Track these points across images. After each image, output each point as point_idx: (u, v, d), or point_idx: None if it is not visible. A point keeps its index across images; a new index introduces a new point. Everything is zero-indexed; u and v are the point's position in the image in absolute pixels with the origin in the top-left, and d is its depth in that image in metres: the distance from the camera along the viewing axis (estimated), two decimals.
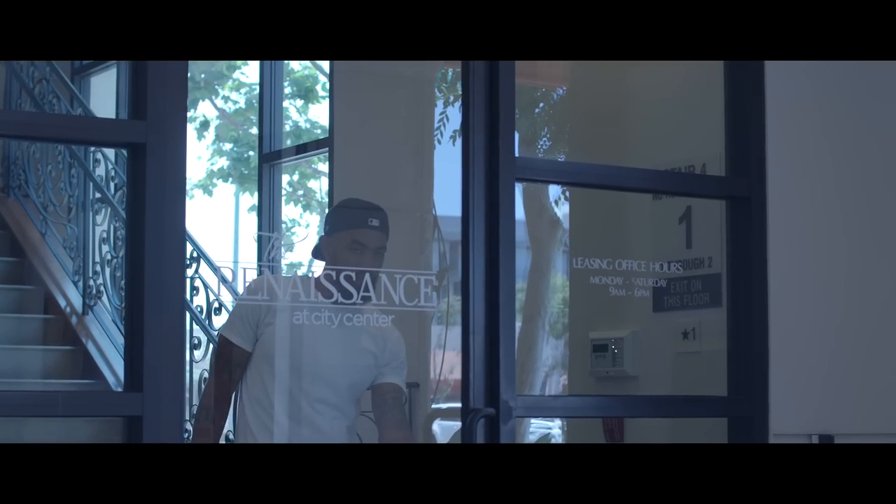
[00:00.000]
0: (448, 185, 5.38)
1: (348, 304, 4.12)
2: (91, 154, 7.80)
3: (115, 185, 7.69)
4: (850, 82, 4.59)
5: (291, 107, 14.04)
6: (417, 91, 5.95)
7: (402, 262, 4.33)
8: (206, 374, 6.67)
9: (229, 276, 4.02)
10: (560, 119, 8.01)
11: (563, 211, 8.71)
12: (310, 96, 14.34)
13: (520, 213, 3.98)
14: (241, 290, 4.14)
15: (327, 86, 13.80)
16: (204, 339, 6.79)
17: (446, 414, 5.35)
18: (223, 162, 14.52)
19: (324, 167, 13.50)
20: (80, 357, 7.63)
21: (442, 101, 6.33)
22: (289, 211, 13.65)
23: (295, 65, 13.90)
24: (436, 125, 5.95)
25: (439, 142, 5.91)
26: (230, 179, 14.59)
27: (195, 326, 6.79)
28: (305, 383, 4.33)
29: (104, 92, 8.85)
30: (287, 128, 12.48)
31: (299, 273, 4.58)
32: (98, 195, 7.78)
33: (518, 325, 4.11)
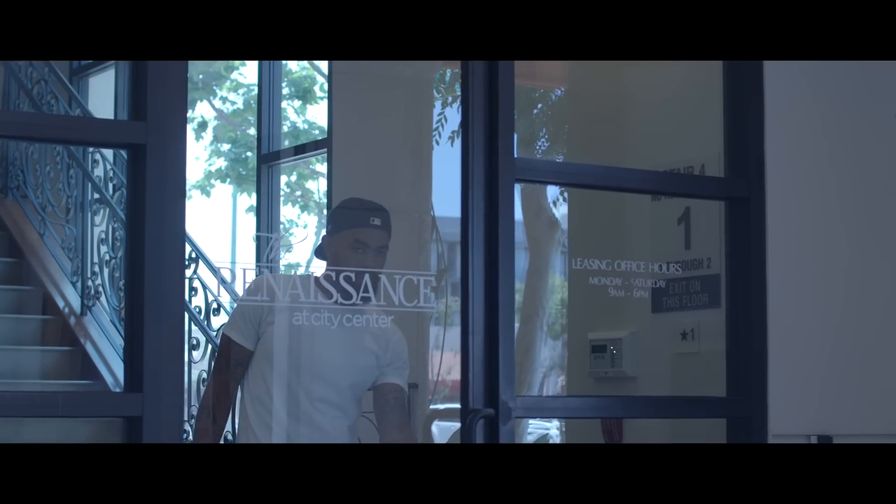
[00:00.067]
0: (446, 186, 5.38)
1: (348, 305, 4.12)
2: (90, 155, 7.80)
3: (114, 186, 7.69)
4: (849, 83, 4.59)
5: (289, 107, 14.04)
6: (416, 92, 5.95)
7: (400, 262, 4.33)
8: (204, 375, 6.68)
9: (228, 277, 4.03)
10: (558, 120, 8.01)
11: (561, 212, 8.71)
12: (308, 97, 14.35)
13: (518, 213, 3.99)
14: (240, 291, 4.14)
15: (325, 86, 13.81)
16: (202, 339, 6.79)
17: (445, 415, 5.35)
18: (221, 163, 14.52)
19: (322, 168, 13.51)
20: (79, 358, 7.64)
21: (440, 102, 6.33)
22: (286, 212, 13.66)
23: (293, 65, 13.90)
24: (434, 126, 5.96)
25: (437, 143, 5.91)
26: (228, 180, 14.60)
27: (193, 327, 6.79)
28: (307, 382, 4.33)
29: (102, 93, 8.85)
30: (285, 128, 12.48)
31: (299, 273, 4.59)
32: (96, 196, 7.78)
33: (516, 325, 4.12)
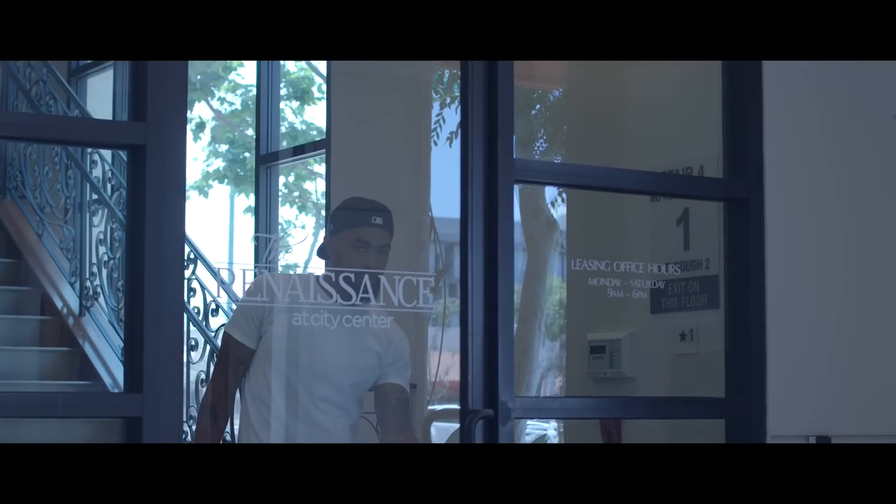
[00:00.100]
0: (444, 187, 5.38)
1: (348, 306, 4.12)
2: (88, 155, 7.79)
3: (112, 187, 7.69)
4: (848, 84, 4.60)
5: (287, 108, 14.05)
6: (414, 93, 5.95)
7: (398, 263, 4.33)
8: (203, 376, 6.68)
9: (228, 279, 4.03)
10: (556, 121, 8.01)
11: (559, 212, 8.72)
12: (305, 98, 14.36)
13: (516, 214, 3.99)
14: (239, 292, 4.15)
15: (323, 87, 13.81)
16: (201, 340, 6.79)
17: (445, 415, 5.35)
18: (219, 163, 14.53)
19: (319, 168, 13.52)
20: (77, 358, 7.64)
21: (438, 103, 6.33)
22: (284, 212, 13.67)
23: (290, 66, 13.91)
24: (432, 127, 5.96)
25: (436, 143, 5.91)
26: (226, 181, 14.61)
27: (192, 328, 6.79)
28: (308, 381, 4.33)
29: (101, 93, 8.85)
30: (283, 129, 12.50)
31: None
32: (95, 196, 7.78)
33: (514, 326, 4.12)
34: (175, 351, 3.45)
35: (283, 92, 12.86)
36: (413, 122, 5.89)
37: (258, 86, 7.98)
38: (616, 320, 4.89)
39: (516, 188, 4.01)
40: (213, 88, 14.55)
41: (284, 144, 11.16)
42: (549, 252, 9.07)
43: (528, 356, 8.76)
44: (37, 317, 7.93)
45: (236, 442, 4.49)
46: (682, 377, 4.77)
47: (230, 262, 4.01)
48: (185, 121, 3.54)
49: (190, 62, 3.55)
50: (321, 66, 13.30)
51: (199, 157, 14.30)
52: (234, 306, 6.45)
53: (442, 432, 5.54)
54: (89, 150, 7.66)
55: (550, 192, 8.36)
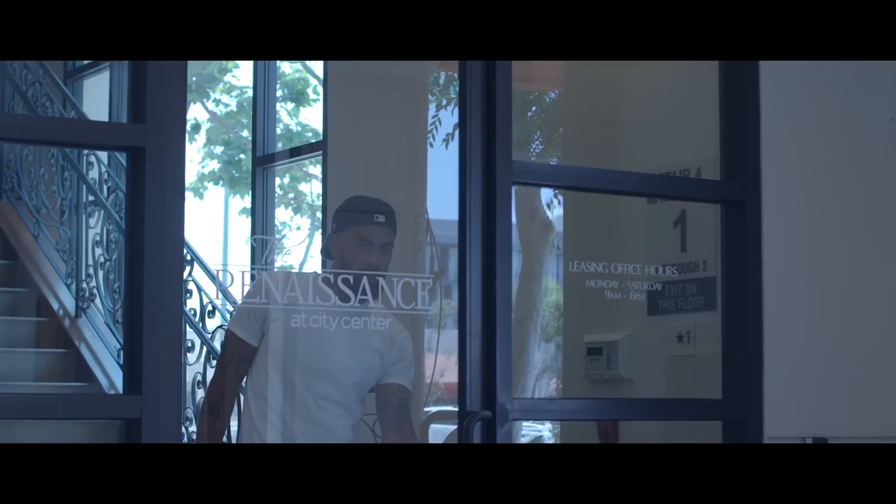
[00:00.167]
0: (440, 189, 5.39)
1: (346, 307, 4.12)
2: (84, 157, 7.79)
3: (109, 188, 7.68)
4: (845, 85, 4.60)
5: (282, 110, 14.06)
6: (411, 94, 5.95)
7: (395, 265, 4.33)
8: (199, 377, 6.68)
9: (227, 280, 4.03)
10: (552, 122, 8.02)
11: (554, 214, 8.73)
12: (300, 99, 14.37)
13: (512, 216, 4.00)
14: (236, 293, 4.15)
15: (318, 89, 13.82)
16: (197, 341, 6.79)
17: (441, 417, 5.35)
18: (214, 165, 14.54)
19: (314, 170, 13.52)
20: (73, 360, 7.63)
21: (434, 105, 6.34)
22: (279, 214, 13.67)
23: (285, 68, 13.92)
24: (428, 129, 5.96)
25: (432, 145, 5.92)
26: (221, 182, 14.61)
27: (188, 329, 6.78)
28: (310, 380, 4.33)
29: (97, 94, 8.84)
30: (278, 131, 12.52)
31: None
32: (91, 198, 7.77)
33: None
34: (174, 352, 3.45)
35: (278, 94, 12.88)
36: (409, 123, 5.90)
37: (254, 87, 7.98)
38: (613, 322, 4.89)
39: (513, 189, 4.02)
40: (208, 90, 14.56)
41: (280, 146, 11.17)
42: (545, 254, 9.09)
43: (523, 357, 8.77)
44: (33, 318, 7.93)
45: (238, 439, 4.49)
46: (679, 379, 4.78)
47: (224, 264, 4.01)
48: (184, 123, 3.55)
49: (186, 64, 3.55)
50: (317, 67, 13.32)
51: (194, 158, 14.32)
52: (230, 308, 6.46)
53: (438, 434, 5.54)
54: (85, 151, 7.65)
55: (546, 193, 8.38)
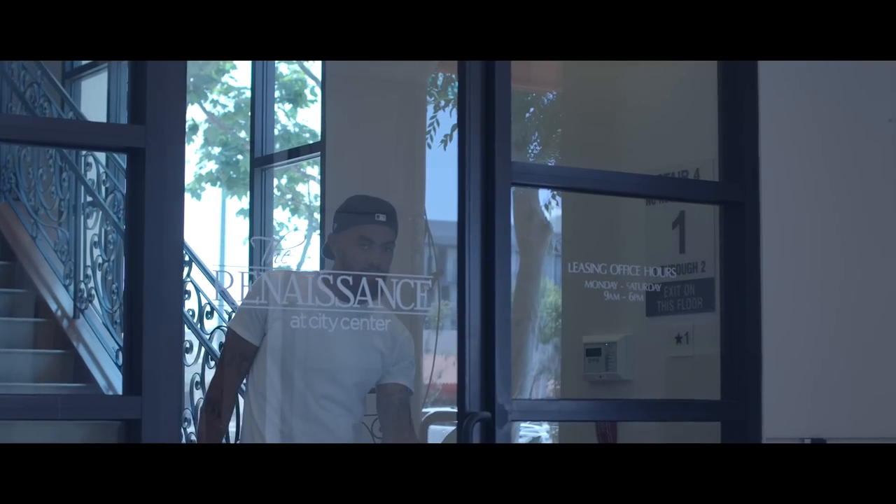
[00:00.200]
0: (438, 190, 5.39)
1: (346, 308, 4.12)
2: (82, 158, 7.78)
3: (107, 189, 7.67)
4: (843, 86, 4.61)
5: (280, 110, 14.06)
6: (409, 95, 5.95)
7: (394, 266, 4.34)
8: (198, 378, 6.68)
9: (227, 281, 4.03)
10: (550, 124, 8.03)
11: (552, 215, 8.73)
12: (298, 100, 14.36)
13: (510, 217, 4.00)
14: (236, 294, 4.15)
15: (316, 90, 13.82)
16: (195, 342, 6.79)
17: (440, 418, 5.35)
18: (212, 165, 14.53)
19: (312, 171, 13.52)
20: (71, 361, 7.62)
21: (432, 106, 6.34)
22: (277, 215, 13.67)
23: (283, 68, 13.92)
24: (426, 130, 5.97)
25: (430, 146, 5.92)
26: (218, 183, 14.61)
27: (186, 330, 6.77)
28: (312, 380, 4.32)
29: (95, 95, 8.83)
30: (276, 132, 12.51)
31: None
32: (89, 199, 7.76)
33: None
34: (174, 353, 3.45)
35: (276, 94, 12.88)
36: (408, 124, 5.90)
37: (252, 88, 7.98)
38: (612, 323, 4.89)
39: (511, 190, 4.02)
40: (205, 91, 14.55)
41: (278, 147, 11.17)
42: (543, 254, 9.09)
43: (520, 358, 8.77)
44: (31, 319, 7.92)
45: (239, 439, 4.49)
46: (677, 380, 4.78)
47: (222, 264, 4.01)
48: (183, 124, 3.55)
49: (185, 64, 3.55)
50: (314, 68, 13.32)
51: (191, 159, 14.30)
52: (228, 308, 6.45)
53: (437, 435, 5.54)
54: (83, 152, 7.65)
55: (544, 194, 8.38)
